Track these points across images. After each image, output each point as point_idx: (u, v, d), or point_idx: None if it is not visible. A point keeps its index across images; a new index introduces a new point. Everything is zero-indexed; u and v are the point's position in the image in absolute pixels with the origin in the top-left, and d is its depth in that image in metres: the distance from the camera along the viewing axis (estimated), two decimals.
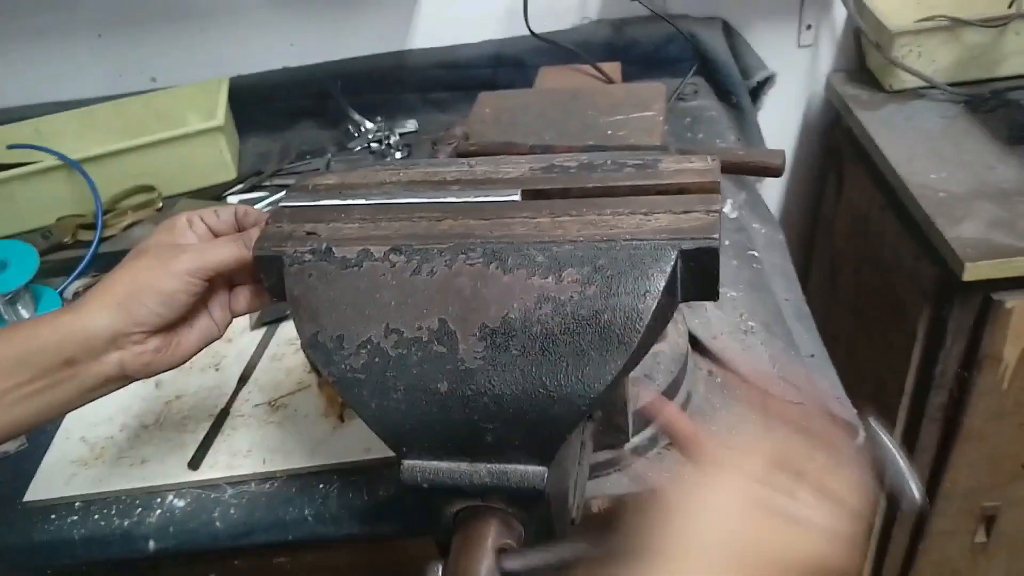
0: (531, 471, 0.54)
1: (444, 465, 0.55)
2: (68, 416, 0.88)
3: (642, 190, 0.58)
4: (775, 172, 0.72)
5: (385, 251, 0.56)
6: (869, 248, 1.27)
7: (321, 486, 0.78)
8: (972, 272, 0.96)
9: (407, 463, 0.56)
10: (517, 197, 0.59)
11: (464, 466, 0.55)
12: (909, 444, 1.19)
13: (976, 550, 1.27)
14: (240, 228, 0.65)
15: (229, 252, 0.61)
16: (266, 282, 0.61)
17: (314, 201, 0.62)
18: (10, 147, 1.15)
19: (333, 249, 0.57)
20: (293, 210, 0.62)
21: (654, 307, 0.51)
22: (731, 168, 0.73)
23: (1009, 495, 1.20)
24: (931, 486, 1.20)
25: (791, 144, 1.46)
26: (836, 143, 1.36)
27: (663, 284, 0.52)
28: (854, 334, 1.36)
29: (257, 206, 1.13)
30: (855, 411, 0.86)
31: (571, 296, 0.52)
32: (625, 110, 0.87)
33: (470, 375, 0.53)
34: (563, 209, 0.57)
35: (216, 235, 0.64)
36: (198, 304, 0.63)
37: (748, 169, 0.73)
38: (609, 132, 0.83)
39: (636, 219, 0.55)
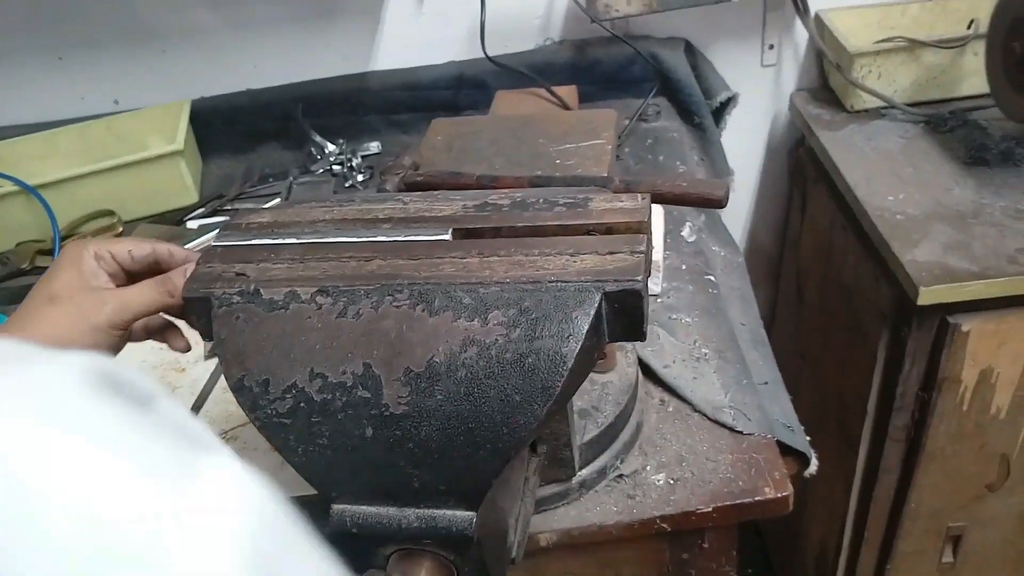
0: (459, 516, 0.54)
1: (373, 510, 0.55)
2: None
3: (571, 230, 0.57)
4: (717, 204, 0.71)
5: (312, 293, 0.56)
6: (832, 268, 1.27)
7: None
8: (927, 296, 0.96)
9: (336, 507, 0.56)
10: (448, 236, 0.59)
11: (392, 511, 0.55)
12: (873, 465, 1.19)
13: (943, 570, 1.27)
14: (166, 268, 0.61)
15: (152, 298, 0.58)
16: (195, 324, 0.60)
17: (246, 240, 0.61)
18: None
19: (261, 291, 0.57)
20: (224, 250, 0.61)
21: (577, 350, 0.51)
22: (673, 200, 0.73)
23: (974, 515, 1.20)
24: (896, 507, 1.20)
25: (756, 163, 1.46)
26: (800, 162, 1.36)
27: (586, 327, 0.51)
28: (820, 352, 1.36)
29: (218, 230, 1.13)
30: (807, 440, 0.86)
31: (496, 339, 0.52)
32: (575, 138, 0.87)
33: (395, 420, 0.52)
34: (492, 249, 0.56)
35: (128, 274, 0.61)
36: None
37: (690, 201, 0.72)
38: (558, 161, 0.83)
39: (562, 260, 0.54)
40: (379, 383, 0.53)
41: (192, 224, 1.19)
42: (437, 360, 0.52)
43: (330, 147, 1.26)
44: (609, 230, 0.57)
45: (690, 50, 1.31)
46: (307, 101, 1.30)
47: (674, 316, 0.95)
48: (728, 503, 0.76)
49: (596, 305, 0.52)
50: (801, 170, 1.36)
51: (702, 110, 1.26)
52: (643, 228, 0.56)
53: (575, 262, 0.54)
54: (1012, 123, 1.13)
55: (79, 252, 0.59)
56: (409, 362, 0.53)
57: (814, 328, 1.37)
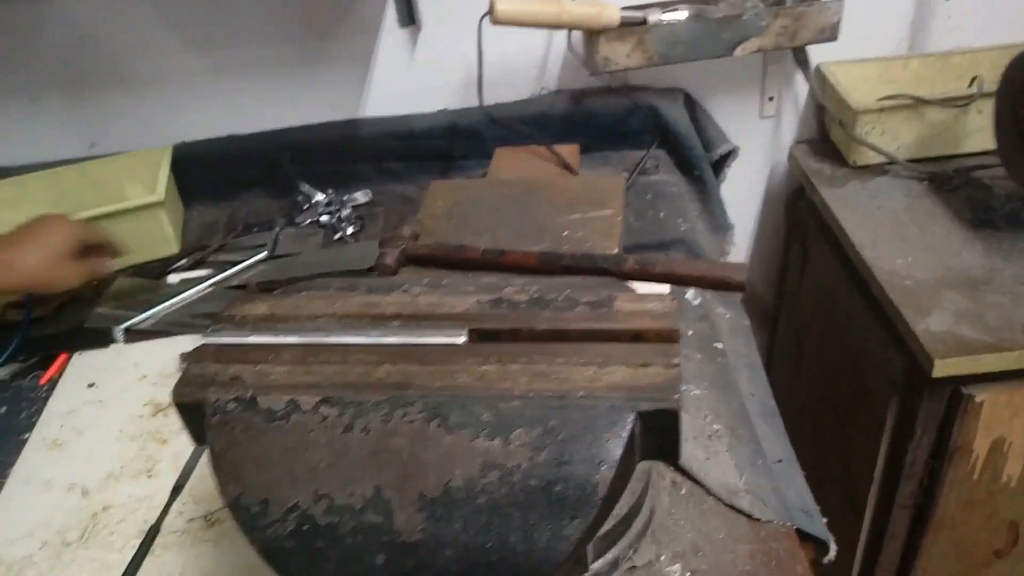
0: None
1: None
2: None
3: (596, 335, 0.53)
4: (737, 287, 0.68)
5: (315, 403, 0.51)
6: (835, 328, 1.24)
7: None
8: (942, 368, 0.93)
9: None
10: (463, 339, 0.54)
11: None
12: (879, 531, 1.16)
13: None
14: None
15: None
16: (188, 428, 0.55)
17: (241, 337, 0.57)
18: None
19: (258, 399, 0.52)
20: (218, 349, 0.56)
21: (611, 477, 0.47)
22: (692, 283, 0.69)
23: None
24: (901, 574, 1.17)
25: (754, 215, 1.43)
26: (800, 216, 1.34)
27: (620, 452, 0.47)
28: (819, 409, 1.33)
29: (201, 286, 1.08)
30: (824, 521, 0.82)
31: (519, 464, 0.47)
32: (582, 208, 0.83)
33: (409, 549, 0.48)
34: (512, 355, 0.52)
35: None
36: None
37: (709, 284, 0.69)
38: (565, 233, 0.79)
39: (590, 371, 0.50)
40: (390, 508, 0.48)
41: (173, 277, 1.13)
42: (455, 485, 0.48)
43: (319, 196, 1.22)
44: (637, 337, 0.53)
45: (689, 101, 1.29)
46: (294, 148, 1.25)
47: (683, 388, 0.91)
48: None
49: (630, 426, 0.48)
50: (801, 224, 1.33)
51: (702, 163, 1.23)
52: (676, 336, 0.52)
53: (604, 374, 0.50)
54: (1017, 184, 1.11)
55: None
56: (424, 486, 0.48)
57: (814, 385, 1.34)
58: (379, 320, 0.57)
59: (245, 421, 0.52)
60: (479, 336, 0.55)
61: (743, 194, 1.38)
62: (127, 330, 1.02)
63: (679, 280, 0.69)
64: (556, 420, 0.48)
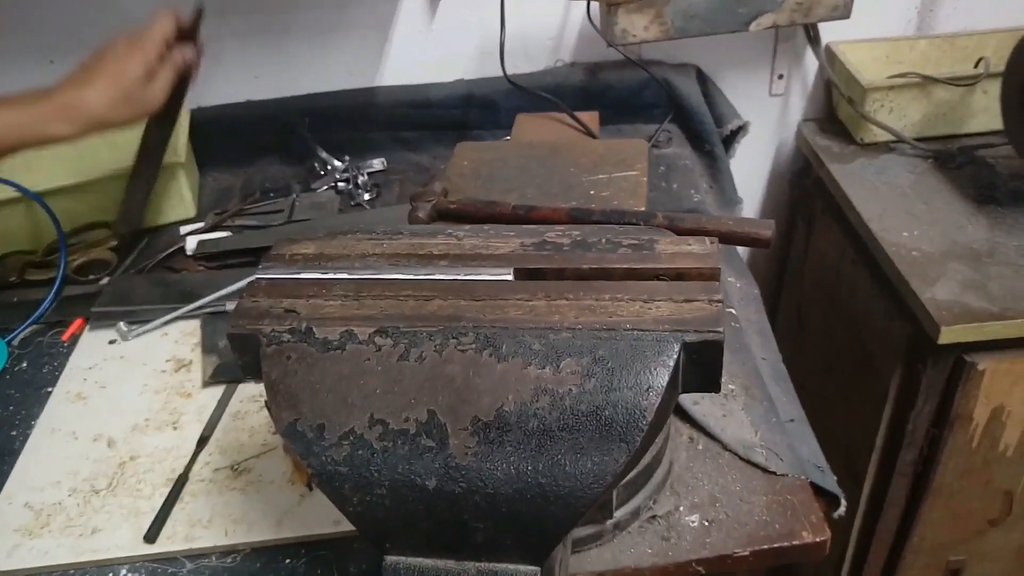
0: (523, 571, 0.51)
1: (429, 563, 0.52)
2: (11, 477, 0.82)
3: (640, 274, 0.55)
4: (764, 244, 0.70)
5: (370, 333, 0.53)
6: (838, 300, 1.27)
7: (287, 561, 0.74)
8: (948, 336, 0.96)
9: (390, 559, 0.53)
10: (510, 276, 0.56)
11: (451, 564, 0.52)
12: (878, 499, 1.19)
13: None
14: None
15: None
16: (239, 360, 0.57)
17: (292, 273, 0.58)
18: None
19: (314, 329, 0.54)
20: (270, 283, 0.58)
21: (657, 404, 0.49)
22: (720, 237, 0.71)
23: (974, 549, 1.21)
24: (899, 540, 1.20)
25: (760, 190, 1.46)
26: (806, 192, 1.36)
27: (666, 379, 0.49)
28: (821, 383, 1.36)
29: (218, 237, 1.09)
30: (835, 479, 0.85)
31: (570, 389, 0.50)
32: (607, 168, 0.85)
33: (460, 472, 0.50)
34: (559, 292, 0.54)
35: None
36: None
37: (735, 240, 0.71)
38: (592, 192, 0.81)
39: (636, 306, 0.52)
40: (444, 432, 0.50)
41: (191, 240, 1.14)
42: (507, 409, 0.50)
43: (335, 163, 1.23)
44: (680, 276, 0.55)
45: (701, 77, 1.31)
46: (311, 114, 1.26)
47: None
48: (765, 547, 0.75)
49: (676, 356, 0.50)
50: (807, 200, 1.36)
51: (713, 138, 1.25)
52: (717, 275, 0.54)
53: (650, 309, 0.52)
54: (1020, 162, 1.14)
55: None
56: (477, 410, 0.50)
57: (816, 358, 1.37)
58: (427, 259, 0.59)
59: (300, 351, 0.53)
60: (525, 275, 0.57)
61: (750, 170, 1.40)
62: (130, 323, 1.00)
63: (707, 235, 0.71)
64: (604, 350, 0.50)
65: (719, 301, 0.52)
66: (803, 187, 1.37)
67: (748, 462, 0.82)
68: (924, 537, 1.18)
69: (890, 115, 1.22)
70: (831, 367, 1.32)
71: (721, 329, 0.50)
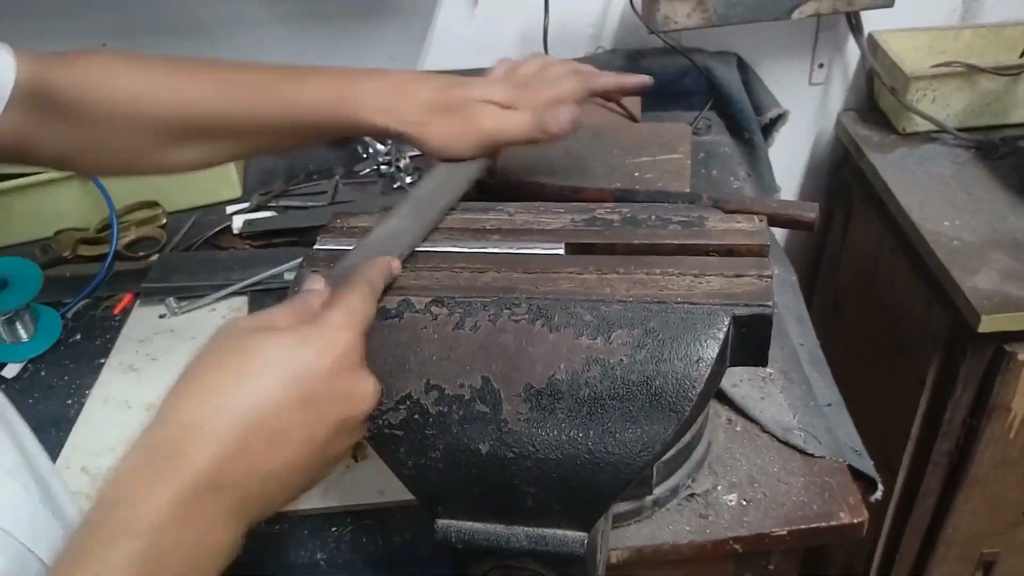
0: (571, 536, 0.53)
1: (480, 526, 0.54)
2: (68, 444, 0.85)
3: (690, 249, 0.56)
4: (808, 227, 0.71)
5: (426, 303, 0.55)
6: (875, 290, 1.27)
7: (334, 529, 0.76)
8: (988, 324, 0.96)
9: (441, 522, 0.54)
10: (561, 250, 0.58)
11: (501, 528, 0.54)
12: (912, 489, 1.19)
13: None
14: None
15: (523, 131, 0.66)
16: None
17: (350, 245, 0.60)
18: None
19: None
20: (328, 254, 0.60)
21: (707, 375, 0.50)
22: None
23: (1009, 542, 1.20)
24: (933, 531, 1.20)
25: (798, 180, 1.46)
26: (845, 181, 1.36)
27: (716, 351, 0.50)
28: (856, 371, 1.36)
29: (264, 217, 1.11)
30: (871, 463, 0.85)
31: (621, 359, 0.51)
32: (651, 151, 0.86)
33: (513, 437, 0.51)
34: (610, 266, 0.55)
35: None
36: None
37: (779, 222, 0.71)
38: (636, 174, 0.82)
39: (687, 280, 0.54)
40: (498, 398, 0.52)
41: (237, 219, 1.17)
42: (559, 378, 0.51)
43: (378, 146, 1.25)
44: (730, 252, 0.56)
45: (741, 65, 1.31)
46: None
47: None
48: (803, 527, 0.76)
49: (725, 329, 0.51)
50: (846, 190, 1.36)
51: (752, 126, 1.25)
52: (766, 251, 0.55)
53: (700, 283, 0.53)
54: None
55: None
56: (530, 378, 0.52)
57: (850, 348, 1.37)
58: (480, 233, 0.60)
59: None
60: (576, 249, 0.58)
61: (788, 159, 1.40)
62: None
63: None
64: (655, 322, 0.51)
65: (769, 276, 0.53)
66: (841, 176, 1.37)
67: (786, 444, 0.83)
68: (958, 528, 1.18)
69: (933, 105, 1.22)
70: (866, 356, 1.32)
71: (771, 303, 0.51)
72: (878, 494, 0.84)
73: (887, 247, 1.21)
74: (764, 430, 0.84)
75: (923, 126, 1.24)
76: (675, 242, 0.57)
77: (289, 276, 1.03)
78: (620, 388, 0.50)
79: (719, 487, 0.80)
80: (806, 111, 1.37)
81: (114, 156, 0.71)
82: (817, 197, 1.46)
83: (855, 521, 0.76)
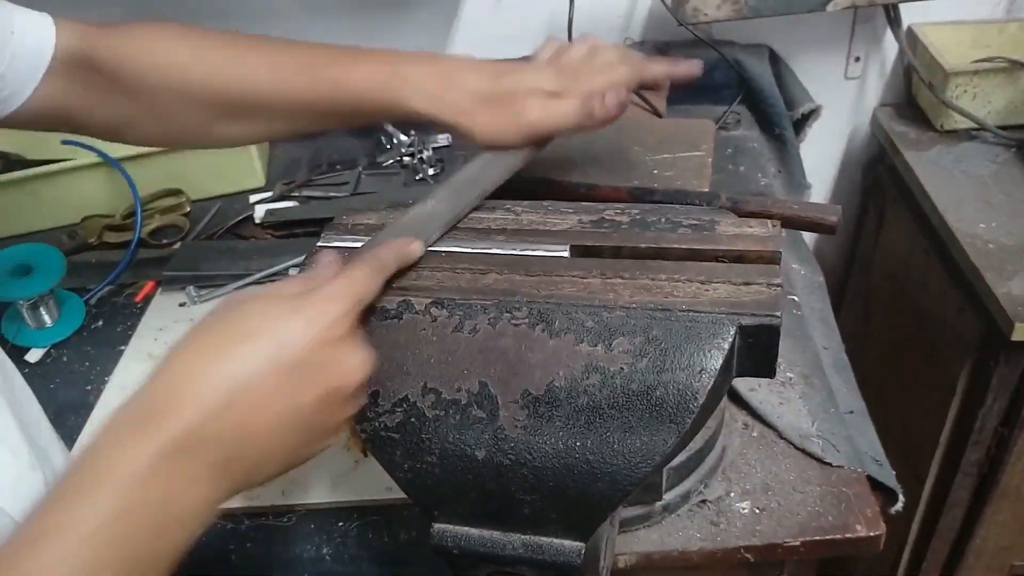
0: (567, 546, 0.52)
1: (476, 532, 0.53)
2: (84, 430, 0.86)
3: (699, 255, 0.55)
4: (829, 230, 0.68)
5: (426, 304, 0.54)
6: (907, 292, 1.23)
7: (340, 524, 0.76)
8: (1022, 332, 0.92)
9: (437, 527, 0.54)
10: (566, 253, 0.56)
11: (497, 535, 0.53)
12: (940, 499, 1.16)
13: None
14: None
15: (571, 118, 0.65)
16: None
17: (354, 243, 0.59)
18: (64, 142, 1.12)
19: None
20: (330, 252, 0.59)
21: (710, 386, 0.49)
22: (784, 221, 0.70)
23: None
24: (961, 542, 1.17)
25: (831, 176, 1.42)
26: (879, 180, 1.32)
27: (720, 362, 0.49)
28: (884, 376, 1.32)
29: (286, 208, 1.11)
30: (893, 473, 0.83)
31: (621, 368, 0.50)
32: (672, 148, 0.84)
33: (509, 444, 0.50)
34: (615, 270, 0.54)
35: None
36: None
37: (800, 225, 0.69)
38: (655, 172, 0.80)
39: (693, 287, 0.52)
40: (495, 403, 0.51)
41: (259, 209, 1.17)
42: (557, 385, 0.50)
43: (402, 137, 1.24)
44: (740, 258, 0.54)
45: (773, 58, 1.28)
46: None
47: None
48: (817, 538, 0.74)
49: (731, 339, 0.49)
50: (880, 188, 1.32)
51: (783, 121, 1.22)
52: (777, 259, 0.54)
53: (707, 291, 0.52)
54: None
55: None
56: (528, 384, 0.50)
57: (881, 352, 1.34)
58: (484, 233, 0.59)
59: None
60: (582, 252, 0.57)
61: (821, 155, 1.36)
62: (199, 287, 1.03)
63: (771, 218, 0.69)
64: (658, 330, 0.50)
65: (778, 285, 0.51)
66: (876, 174, 1.33)
67: (803, 451, 0.81)
68: (987, 539, 1.15)
69: (973, 101, 1.17)
70: (895, 360, 1.29)
71: (779, 313, 0.50)
72: (899, 506, 0.82)
73: (920, 248, 1.17)
74: (781, 436, 0.82)
75: (962, 123, 1.20)
76: (684, 246, 0.55)
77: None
78: (620, 397, 0.49)
79: (732, 494, 0.78)
80: (841, 106, 1.34)
81: (162, 128, 0.71)
82: (850, 195, 1.42)
83: (872, 534, 0.74)
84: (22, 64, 0.63)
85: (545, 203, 0.63)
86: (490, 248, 0.58)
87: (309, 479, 0.79)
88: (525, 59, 0.72)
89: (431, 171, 1.21)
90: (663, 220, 0.58)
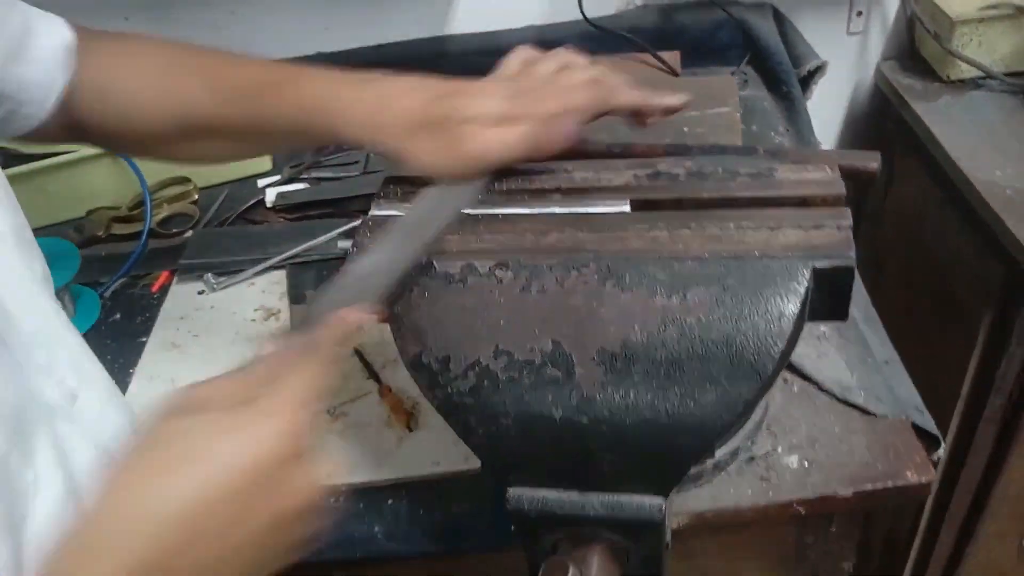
0: (648, 502, 0.52)
1: (553, 494, 0.53)
2: None
3: (763, 202, 0.54)
4: (869, 177, 0.68)
5: (490, 266, 0.53)
6: (922, 245, 1.24)
7: (390, 501, 0.75)
8: None
9: (513, 491, 0.53)
10: (627, 207, 0.56)
11: (575, 496, 0.52)
12: (963, 445, 1.17)
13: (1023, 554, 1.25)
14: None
15: (521, 148, 0.58)
16: None
17: (404, 211, 0.58)
18: None
19: (434, 264, 0.54)
20: (386, 219, 0.58)
21: (790, 331, 0.48)
22: None
23: None
24: (984, 488, 1.18)
25: (835, 133, 1.42)
26: (886, 134, 1.32)
27: (799, 306, 0.48)
28: (901, 328, 1.33)
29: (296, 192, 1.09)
30: (932, 421, 0.83)
31: (699, 318, 0.49)
32: (698, 105, 0.83)
33: (587, 402, 0.50)
34: (680, 221, 0.53)
35: None
36: None
37: (841, 173, 0.69)
38: (686, 130, 0.80)
39: (763, 234, 0.51)
40: (570, 362, 0.50)
41: (270, 192, 1.15)
42: (633, 339, 0.49)
43: None
44: (804, 202, 0.54)
45: (777, 16, 1.27)
46: (382, 65, 1.24)
47: None
48: (868, 487, 0.74)
49: (806, 283, 0.49)
50: (887, 142, 1.32)
51: (791, 79, 1.21)
52: (843, 201, 0.53)
53: (778, 236, 0.51)
54: None
55: None
56: (603, 341, 0.50)
57: (896, 307, 1.34)
58: (539, 194, 0.58)
59: (422, 284, 0.53)
60: (642, 205, 0.56)
61: (825, 112, 1.36)
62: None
63: None
64: (733, 279, 0.49)
65: (849, 227, 0.51)
66: (883, 128, 1.33)
67: (846, 403, 0.81)
68: (1009, 486, 1.16)
69: (979, 49, 1.17)
70: (912, 312, 1.29)
71: (852, 254, 0.49)
72: (940, 452, 0.82)
73: (934, 200, 1.18)
74: (822, 389, 0.82)
75: (968, 72, 1.20)
76: (747, 195, 0.55)
77: (325, 249, 1.02)
78: (698, 348, 0.49)
79: (779, 449, 0.78)
80: (844, 62, 1.33)
81: (141, 146, 0.73)
82: (857, 149, 1.42)
83: (922, 480, 0.74)
84: (42, 73, 0.63)
85: (595, 160, 0.62)
86: (548, 207, 0.57)
87: (353, 459, 0.78)
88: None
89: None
90: (720, 170, 0.57)
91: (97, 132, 0.69)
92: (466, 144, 0.57)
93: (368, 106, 0.61)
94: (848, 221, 0.51)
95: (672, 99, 0.64)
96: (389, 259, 0.53)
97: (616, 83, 0.63)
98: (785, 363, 0.52)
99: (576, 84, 0.61)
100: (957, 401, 1.16)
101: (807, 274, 0.49)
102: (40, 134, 0.66)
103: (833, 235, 0.50)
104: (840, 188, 0.54)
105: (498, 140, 0.57)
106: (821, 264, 0.49)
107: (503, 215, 0.56)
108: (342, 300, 0.48)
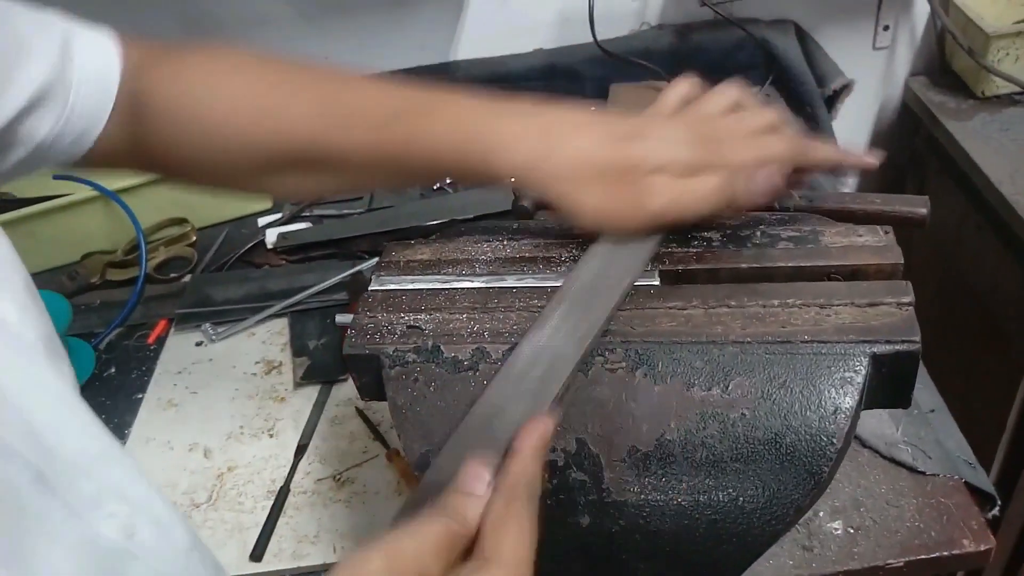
0: None
1: None
2: None
3: (809, 273, 0.48)
4: (919, 223, 0.62)
5: (504, 351, 0.47)
6: (958, 269, 1.17)
7: None
8: None
9: None
10: (656, 280, 0.50)
11: None
12: (1009, 483, 1.11)
13: None
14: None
15: (707, 204, 0.50)
16: (358, 381, 0.51)
17: (410, 284, 0.53)
18: (56, 177, 1.05)
19: (441, 348, 0.48)
20: (386, 295, 0.52)
21: (847, 428, 0.42)
22: (866, 219, 0.63)
23: None
24: None
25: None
26: (917, 153, 1.26)
27: (856, 399, 0.42)
28: (938, 360, 1.26)
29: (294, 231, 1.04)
30: (986, 476, 0.77)
31: (742, 413, 0.43)
32: None
33: (618, 508, 0.44)
34: (717, 297, 0.48)
35: None
36: None
37: (887, 220, 0.63)
38: None
39: (812, 313, 0.46)
40: (598, 464, 0.44)
41: (270, 233, 1.10)
42: (669, 438, 0.44)
43: None
44: (856, 273, 0.48)
45: (800, 33, 1.21)
46: None
47: None
48: (923, 556, 0.68)
49: (864, 371, 0.43)
50: (918, 162, 1.26)
51: (815, 99, 1.16)
52: (899, 271, 0.47)
53: (828, 316, 0.45)
54: None
55: None
56: (634, 440, 0.44)
57: (931, 334, 1.28)
58: (554, 263, 0.53)
59: (428, 372, 0.48)
60: (673, 278, 0.50)
61: (850, 131, 1.30)
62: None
63: (851, 218, 0.63)
64: (780, 367, 0.44)
65: (911, 303, 0.45)
66: (913, 148, 1.27)
67: (892, 460, 0.75)
68: None
69: (1016, 64, 1.11)
70: (950, 342, 1.23)
71: (917, 338, 0.43)
72: (995, 510, 0.76)
73: (972, 224, 1.11)
74: (865, 445, 0.76)
75: (1004, 88, 1.14)
76: (790, 264, 0.49)
77: (328, 295, 0.96)
78: (744, 448, 0.43)
79: (821, 513, 0.72)
80: (870, 78, 1.27)
81: (223, 176, 0.61)
82: (886, 171, 1.34)
83: (981, 548, 0.68)
84: (88, 96, 0.54)
85: None
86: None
87: (361, 531, 0.73)
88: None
89: (448, 179, 1.14)
90: (758, 233, 0.51)
91: (169, 159, 0.59)
92: (655, 198, 0.49)
93: (533, 143, 0.51)
94: (910, 296, 0.45)
95: (870, 157, 0.57)
96: (560, 348, 0.45)
97: (805, 139, 0.55)
98: (841, 462, 0.46)
99: (763, 126, 0.53)
100: (1001, 436, 1.10)
101: (865, 362, 0.43)
102: (93, 160, 0.57)
103: (893, 314, 0.45)
104: (897, 256, 0.48)
105: (690, 195, 0.49)
106: (881, 350, 0.43)
107: (516, 288, 0.51)
108: (516, 416, 0.42)
